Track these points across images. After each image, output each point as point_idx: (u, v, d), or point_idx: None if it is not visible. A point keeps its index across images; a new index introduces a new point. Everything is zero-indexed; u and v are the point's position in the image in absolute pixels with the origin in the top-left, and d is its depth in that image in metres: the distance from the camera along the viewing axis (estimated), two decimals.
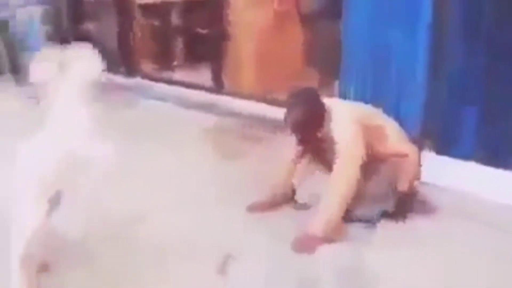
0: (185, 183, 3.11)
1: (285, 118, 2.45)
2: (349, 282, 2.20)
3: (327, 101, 2.55)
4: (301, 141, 2.57)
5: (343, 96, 3.27)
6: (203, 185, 3.09)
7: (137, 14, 5.66)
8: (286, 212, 2.75)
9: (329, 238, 2.38)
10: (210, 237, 2.51)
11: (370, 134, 2.45)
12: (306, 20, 4.59)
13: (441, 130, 2.96)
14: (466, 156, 2.87)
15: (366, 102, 2.77)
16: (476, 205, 2.77)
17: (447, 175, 2.80)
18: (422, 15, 2.89)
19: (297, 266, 2.29)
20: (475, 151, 2.85)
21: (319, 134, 2.47)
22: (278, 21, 4.80)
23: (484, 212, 2.72)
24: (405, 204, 2.65)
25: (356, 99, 3.09)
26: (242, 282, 2.19)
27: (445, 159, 2.89)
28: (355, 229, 2.57)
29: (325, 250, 2.37)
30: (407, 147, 2.61)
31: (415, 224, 2.65)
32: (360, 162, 2.37)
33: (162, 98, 4.94)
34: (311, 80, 4.56)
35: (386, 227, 2.62)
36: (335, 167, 2.39)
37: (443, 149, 2.95)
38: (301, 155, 2.69)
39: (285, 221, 2.65)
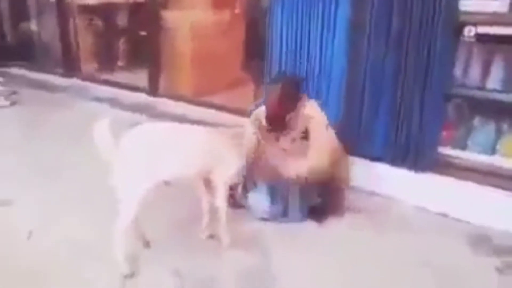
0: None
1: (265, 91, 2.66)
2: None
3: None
4: (270, 119, 2.61)
5: None
6: None
7: (78, 14, 5.54)
8: None
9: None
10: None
11: None
12: (245, 25, 4.59)
13: (355, 130, 2.95)
14: (377, 158, 2.89)
15: None
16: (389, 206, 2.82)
17: (358, 176, 2.81)
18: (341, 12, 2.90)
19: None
20: (385, 153, 2.88)
21: (288, 117, 2.58)
22: (217, 25, 4.81)
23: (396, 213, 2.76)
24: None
25: None
26: None
27: (356, 160, 2.89)
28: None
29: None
30: None
31: (329, 225, 2.65)
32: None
33: (98, 100, 4.83)
34: (246, 85, 4.57)
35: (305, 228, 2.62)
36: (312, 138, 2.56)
37: (356, 149, 2.93)
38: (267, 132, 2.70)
39: None
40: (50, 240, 2.42)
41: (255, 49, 3.95)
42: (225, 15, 4.94)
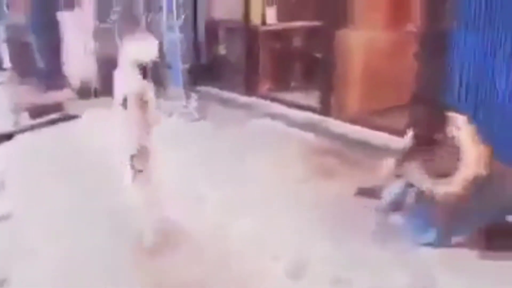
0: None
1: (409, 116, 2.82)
2: None
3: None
4: (417, 139, 2.75)
5: None
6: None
7: (261, 39, 6.06)
8: None
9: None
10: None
11: None
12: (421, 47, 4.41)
13: None
14: None
15: None
16: None
17: None
18: None
19: None
20: None
21: (436, 137, 2.66)
22: (391, 47, 4.72)
23: None
24: None
25: None
26: None
27: None
28: None
29: None
30: None
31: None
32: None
33: (271, 117, 5.19)
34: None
35: None
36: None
37: None
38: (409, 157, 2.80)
39: None
40: None
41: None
42: (399, 35, 4.83)
